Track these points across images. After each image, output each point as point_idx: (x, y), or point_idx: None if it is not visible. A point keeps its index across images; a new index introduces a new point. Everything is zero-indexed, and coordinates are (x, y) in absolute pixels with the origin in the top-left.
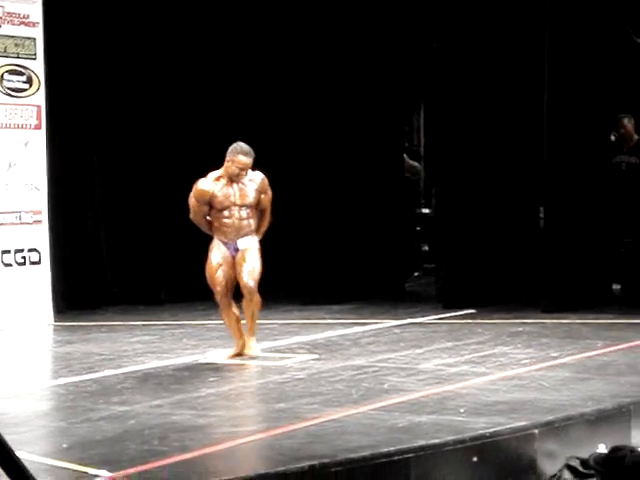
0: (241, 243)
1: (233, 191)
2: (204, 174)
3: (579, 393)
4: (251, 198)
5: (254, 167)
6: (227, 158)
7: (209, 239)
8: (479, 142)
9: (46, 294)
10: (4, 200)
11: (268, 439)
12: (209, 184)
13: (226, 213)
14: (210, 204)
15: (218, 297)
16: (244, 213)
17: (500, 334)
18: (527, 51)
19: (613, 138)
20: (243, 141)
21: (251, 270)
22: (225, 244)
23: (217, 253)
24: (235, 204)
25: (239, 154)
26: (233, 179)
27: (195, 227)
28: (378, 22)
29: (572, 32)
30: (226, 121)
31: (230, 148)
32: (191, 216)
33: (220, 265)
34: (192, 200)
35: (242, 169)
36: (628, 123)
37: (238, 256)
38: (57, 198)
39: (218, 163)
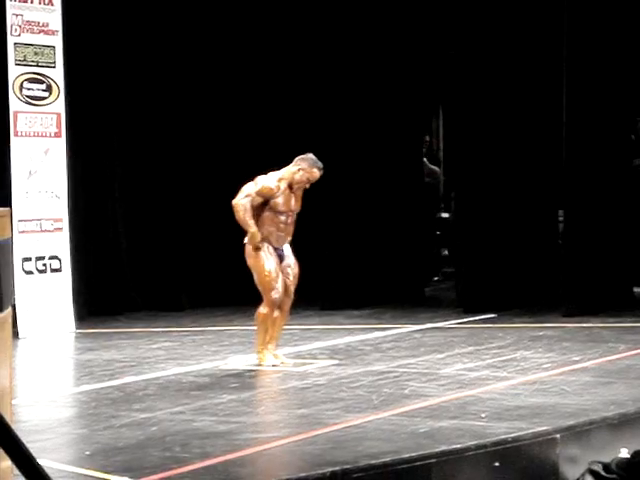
0: (286, 249)
1: (291, 197)
2: (225, 180)
3: (601, 397)
4: (298, 206)
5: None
6: (300, 166)
7: (230, 244)
8: (498, 146)
9: (67, 301)
10: (25, 208)
11: (289, 445)
12: (275, 183)
13: (283, 218)
14: (267, 204)
15: (277, 301)
16: (293, 220)
17: (521, 338)
18: (545, 54)
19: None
20: (262, 146)
21: (295, 280)
22: (275, 249)
23: (271, 258)
24: (291, 210)
25: (316, 168)
26: (292, 186)
27: (216, 233)
28: (397, 30)
29: (590, 34)
30: (246, 128)
31: (307, 158)
32: (242, 201)
33: (278, 272)
34: (254, 190)
35: (310, 182)
36: None
37: (285, 262)
38: (78, 205)
39: (239, 168)
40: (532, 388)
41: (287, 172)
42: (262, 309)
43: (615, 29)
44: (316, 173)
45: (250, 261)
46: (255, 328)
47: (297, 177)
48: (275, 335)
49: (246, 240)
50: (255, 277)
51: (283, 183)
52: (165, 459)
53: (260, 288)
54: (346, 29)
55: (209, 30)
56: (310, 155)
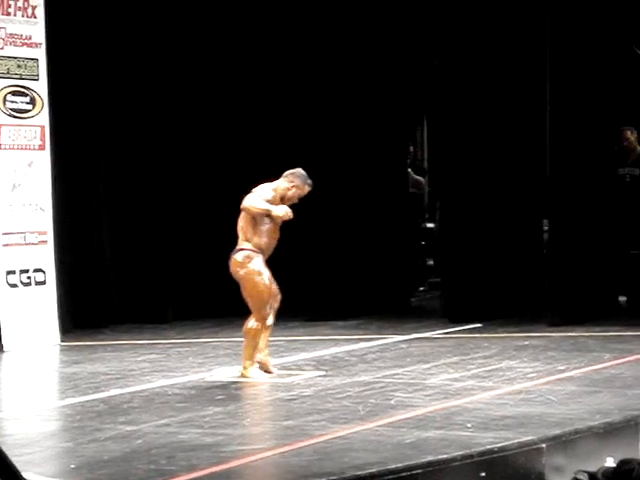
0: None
1: None
2: (209, 192)
3: (587, 406)
4: None
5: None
6: (293, 183)
7: (214, 256)
8: (482, 156)
9: (52, 314)
10: (9, 221)
11: (276, 457)
12: (272, 194)
13: (274, 232)
14: (269, 215)
15: (267, 314)
16: None
17: (506, 348)
18: (529, 64)
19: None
20: (247, 155)
21: None
22: (265, 262)
23: (265, 272)
24: (279, 223)
25: (307, 185)
26: (283, 200)
27: (200, 246)
28: (381, 39)
29: (574, 46)
30: (231, 140)
31: (299, 174)
32: (250, 201)
33: (271, 285)
34: (256, 198)
35: (299, 198)
36: (631, 135)
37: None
38: (62, 218)
39: (222, 182)
40: (518, 398)
41: (280, 186)
42: (253, 324)
43: (598, 39)
44: (307, 189)
45: (242, 274)
46: (243, 342)
47: (290, 193)
48: (267, 342)
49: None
50: (247, 290)
51: (277, 196)
52: (150, 472)
53: (251, 302)
54: (331, 40)
55: (191, 44)
56: (301, 171)
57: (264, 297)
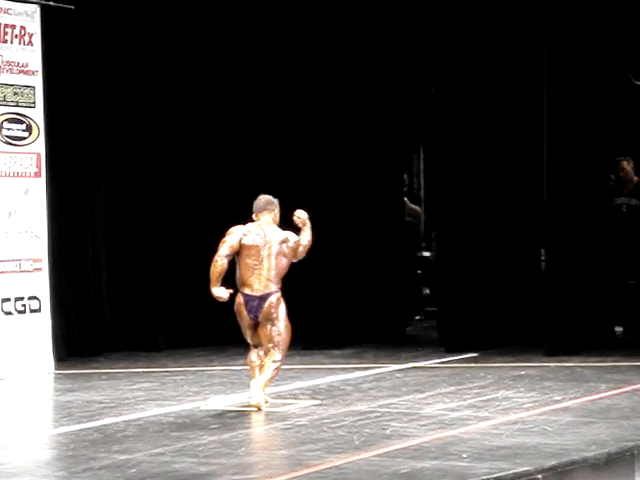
0: None
1: None
2: (202, 222)
3: (583, 437)
4: None
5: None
6: (274, 210)
7: (206, 284)
8: (479, 185)
9: (46, 342)
10: (4, 248)
11: None
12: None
13: None
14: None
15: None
16: None
17: (503, 378)
18: (526, 94)
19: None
20: (244, 183)
21: None
22: None
23: None
24: None
25: None
26: None
27: (193, 274)
28: (377, 67)
29: (571, 75)
30: (225, 172)
31: (270, 199)
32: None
33: None
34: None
35: None
36: (627, 165)
37: None
38: (57, 246)
39: (213, 211)
40: (514, 428)
41: (276, 219)
42: (280, 361)
43: (594, 69)
44: None
45: (275, 315)
46: (267, 377)
47: (277, 220)
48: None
49: None
50: (278, 330)
51: None
52: None
53: (280, 339)
54: (327, 68)
55: (187, 70)
56: (269, 197)
57: (290, 337)
